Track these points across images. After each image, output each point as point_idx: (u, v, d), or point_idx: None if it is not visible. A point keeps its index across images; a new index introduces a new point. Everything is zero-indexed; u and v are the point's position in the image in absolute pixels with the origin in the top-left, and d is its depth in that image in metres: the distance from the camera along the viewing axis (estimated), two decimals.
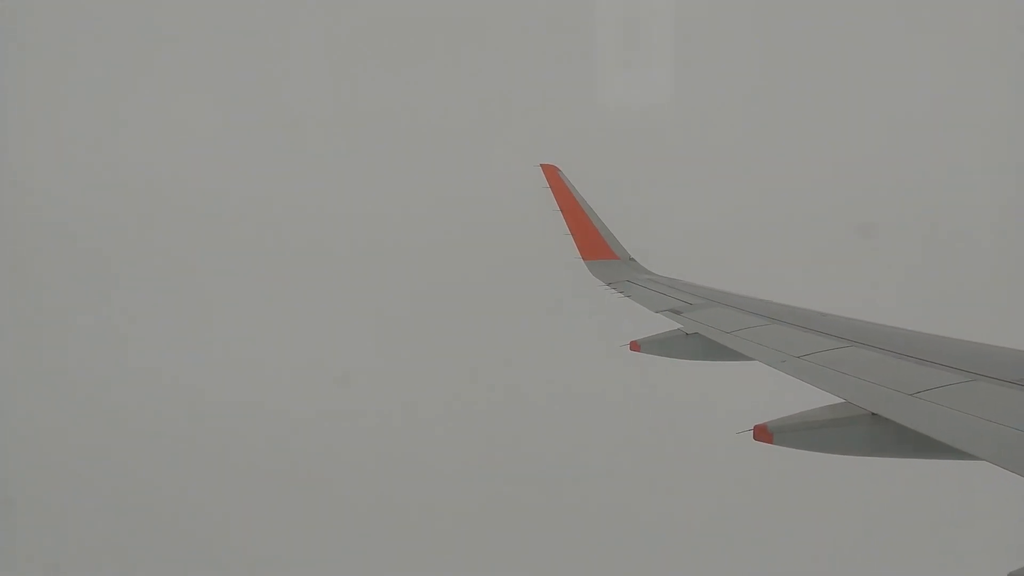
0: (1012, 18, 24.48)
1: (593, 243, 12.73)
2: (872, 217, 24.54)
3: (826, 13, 26.51)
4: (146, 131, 28.45)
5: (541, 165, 13.34)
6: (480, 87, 28.43)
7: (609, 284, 11.60)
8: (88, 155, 28.00)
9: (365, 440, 23.71)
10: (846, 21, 26.59)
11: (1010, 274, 22.56)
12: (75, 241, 26.98)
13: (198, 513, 23.15)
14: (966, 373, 5.26)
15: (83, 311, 26.23)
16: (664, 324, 9.01)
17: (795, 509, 20.20)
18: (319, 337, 25.79)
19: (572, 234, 12.81)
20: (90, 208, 27.19)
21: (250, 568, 22.17)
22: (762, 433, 5.27)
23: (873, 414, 4.98)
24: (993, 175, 25.31)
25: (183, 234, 27.60)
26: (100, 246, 26.97)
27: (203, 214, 27.52)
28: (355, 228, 26.76)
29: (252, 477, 23.49)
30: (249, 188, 27.85)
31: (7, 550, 22.38)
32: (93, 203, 27.25)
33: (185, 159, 28.12)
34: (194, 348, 25.55)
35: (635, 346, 8.87)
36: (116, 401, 24.70)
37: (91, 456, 23.83)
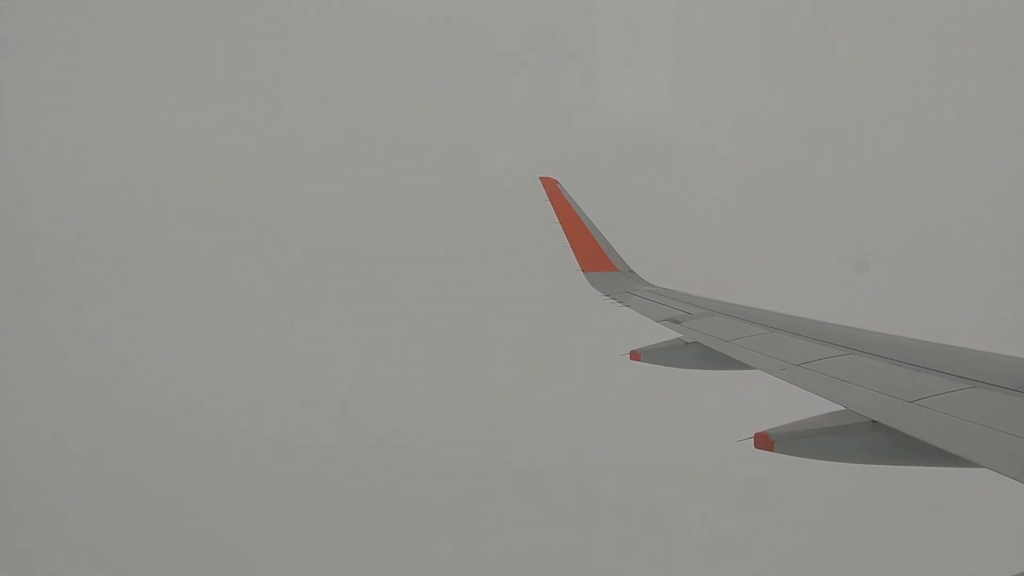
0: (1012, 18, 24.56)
1: (592, 255, 12.78)
2: (870, 224, 24.60)
3: (826, 16, 26.63)
4: (142, 134, 28.56)
5: (540, 178, 13.39)
6: (480, 95, 28.53)
7: (608, 295, 11.64)
8: (83, 158, 28.07)
9: (363, 447, 23.68)
10: (847, 23, 26.69)
11: (1009, 281, 22.60)
12: (67, 245, 27.00)
13: (197, 519, 23.06)
14: (966, 380, 5.27)
15: (77, 316, 26.20)
16: (664, 334, 9.04)
17: (796, 517, 20.17)
18: (319, 345, 25.77)
19: (571, 246, 12.86)
20: (83, 211, 27.23)
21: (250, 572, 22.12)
22: (763, 441, 5.29)
23: (873, 422, 4.99)
24: (991, 181, 25.37)
25: (179, 238, 27.65)
26: (90, 250, 26.98)
27: (201, 216, 27.61)
28: (354, 238, 26.79)
29: (248, 481, 23.45)
30: (246, 195, 27.90)
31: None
32: (86, 206, 27.30)
33: (181, 162, 28.22)
34: (195, 351, 25.55)
35: (635, 356, 8.90)
36: (110, 406, 24.66)
37: (83, 461, 23.76)
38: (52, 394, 24.92)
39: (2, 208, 26.69)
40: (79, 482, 23.61)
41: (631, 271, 12.82)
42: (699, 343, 8.16)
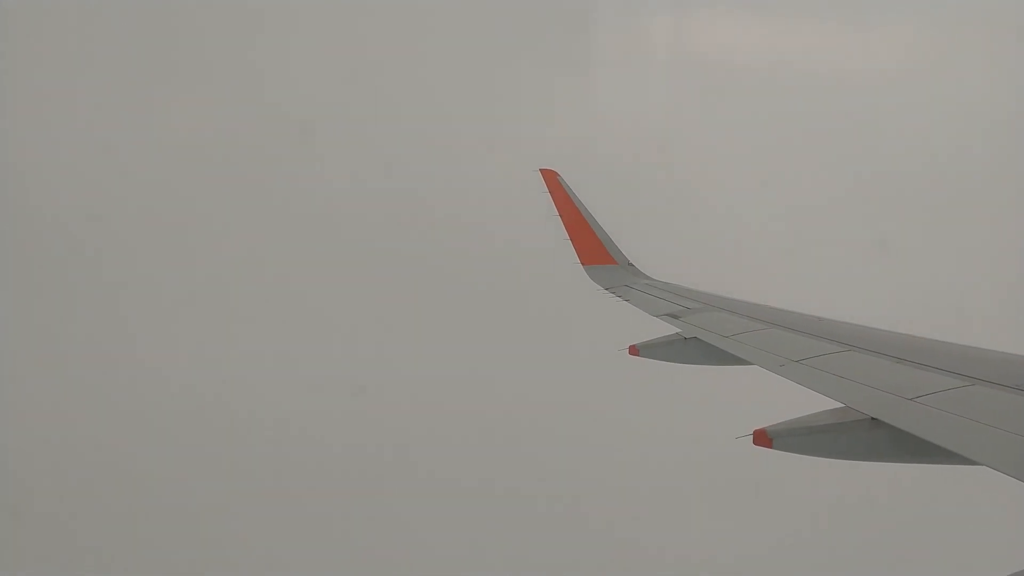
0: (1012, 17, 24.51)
1: (592, 248, 12.73)
2: (870, 222, 24.57)
3: (822, 12, 26.62)
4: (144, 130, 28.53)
5: (540, 170, 13.33)
6: (480, 88, 28.50)
7: (608, 289, 11.62)
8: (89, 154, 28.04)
9: (362, 443, 23.67)
10: (841, 20, 26.67)
11: (1008, 280, 22.59)
12: (74, 242, 26.98)
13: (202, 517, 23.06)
14: (964, 378, 5.25)
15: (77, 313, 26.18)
16: (663, 329, 9.02)
17: (795, 514, 20.18)
18: (317, 341, 25.76)
19: (571, 239, 12.81)
20: (92, 207, 27.20)
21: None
22: (762, 438, 5.27)
23: (872, 419, 4.98)
24: (990, 179, 25.34)
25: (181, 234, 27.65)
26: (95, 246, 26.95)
27: (201, 214, 27.62)
28: (353, 231, 26.76)
29: (249, 480, 23.44)
30: (247, 188, 27.89)
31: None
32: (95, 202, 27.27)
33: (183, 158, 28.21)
34: (199, 349, 25.54)
35: (634, 350, 8.88)
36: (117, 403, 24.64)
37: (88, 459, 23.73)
38: (52, 392, 24.91)
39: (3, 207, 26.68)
40: (78, 482, 23.59)
41: (630, 264, 12.78)
42: (698, 338, 8.16)
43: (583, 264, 12.71)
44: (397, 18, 28.46)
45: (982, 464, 4.05)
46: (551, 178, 13.21)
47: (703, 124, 27.76)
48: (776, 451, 5.28)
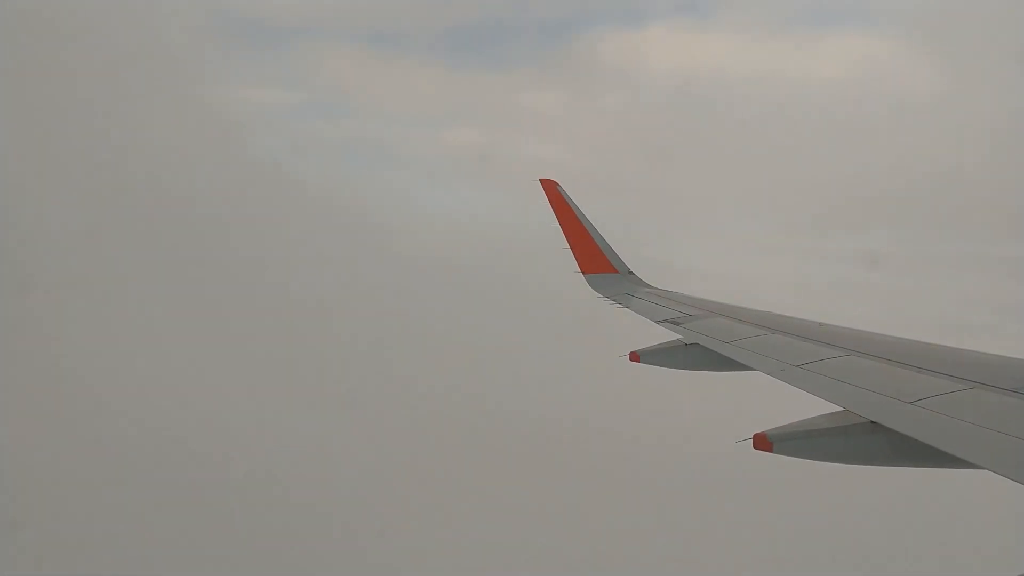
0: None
1: (592, 257, 12.78)
2: (870, 225, 24.67)
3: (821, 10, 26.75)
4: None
5: (541, 180, 13.38)
6: (481, 94, 28.61)
7: (608, 297, 11.67)
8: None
9: (362, 448, 23.68)
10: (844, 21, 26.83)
11: (1008, 283, 22.65)
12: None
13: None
14: (964, 381, 5.28)
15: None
16: (662, 336, 9.06)
17: (796, 518, 20.19)
18: (320, 343, 25.79)
19: (572, 248, 12.86)
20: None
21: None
22: (762, 442, 5.30)
23: (872, 422, 5.01)
24: (990, 181, 25.45)
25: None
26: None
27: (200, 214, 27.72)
28: (355, 238, 26.87)
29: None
30: (246, 193, 28.02)
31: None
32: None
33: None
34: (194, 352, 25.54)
35: (635, 357, 8.92)
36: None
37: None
38: (50, 394, 24.90)
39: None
40: (74, 483, 23.53)
41: (631, 273, 12.84)
42: (699, 344, 8.19)
43: (583, 273, 12.76)
44: (391, 33, 28.59)
45: (982, 467, 4.08)
46: (551, 188, 13.27)
47: (702, 134, 27.89)
48: (776, 455, 5.32)
